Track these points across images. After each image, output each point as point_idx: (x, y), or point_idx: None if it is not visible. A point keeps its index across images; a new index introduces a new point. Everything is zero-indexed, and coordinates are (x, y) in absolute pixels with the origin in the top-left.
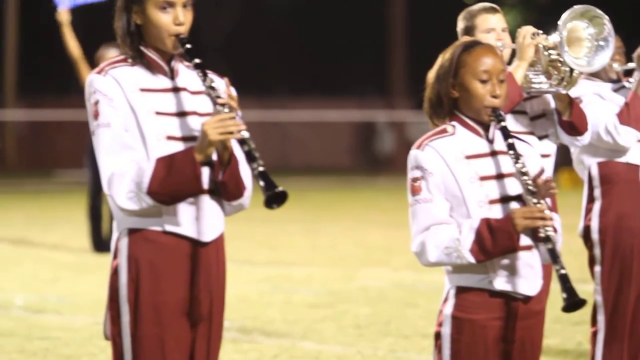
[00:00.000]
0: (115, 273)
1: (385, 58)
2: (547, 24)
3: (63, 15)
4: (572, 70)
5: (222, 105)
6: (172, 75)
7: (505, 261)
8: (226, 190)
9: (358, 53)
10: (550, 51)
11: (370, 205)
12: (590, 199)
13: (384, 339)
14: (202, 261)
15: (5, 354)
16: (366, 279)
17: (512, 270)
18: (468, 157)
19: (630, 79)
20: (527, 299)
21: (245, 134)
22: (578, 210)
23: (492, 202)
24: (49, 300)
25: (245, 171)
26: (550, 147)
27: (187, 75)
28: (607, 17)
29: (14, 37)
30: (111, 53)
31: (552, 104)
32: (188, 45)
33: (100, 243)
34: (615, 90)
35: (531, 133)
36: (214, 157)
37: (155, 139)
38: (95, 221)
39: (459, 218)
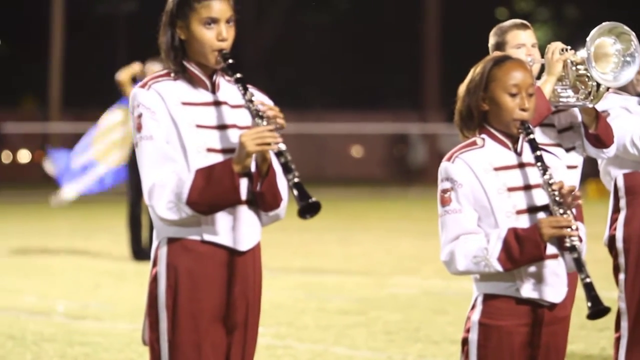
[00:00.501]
0: (154, 280)
1: (419, 73)
2: (577, 40)
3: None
4: (598, 85)
5: (261, 117)
6: (213, 89)
7: (532, 269)
8: (263, 201)
9: (393, 68)
10: (578, 66)
11: (402, 215)
12: (616, 209)
13: (413, 344)
14: (239, 269)
15: (47, 359)
16: (397, 286)
17: (538, 278)
18: (496, 169)
19: None
20: (552, 306)
21: (282, 146)
22: (604, 219)
23: (519, 212)
24: (89, 306)
25: (282, 183)
26: (577, 158)
27: (227, 89)
28: (634, 33)
29: (59, 51)
30: (156, 67)
31: (579, 118)
32: (230, 61)
33: (140, 252)
34: None
35: (559, 145)
36: (253, 168)
37: (196, 151)
38: (135, 230)
39: (487, 228)
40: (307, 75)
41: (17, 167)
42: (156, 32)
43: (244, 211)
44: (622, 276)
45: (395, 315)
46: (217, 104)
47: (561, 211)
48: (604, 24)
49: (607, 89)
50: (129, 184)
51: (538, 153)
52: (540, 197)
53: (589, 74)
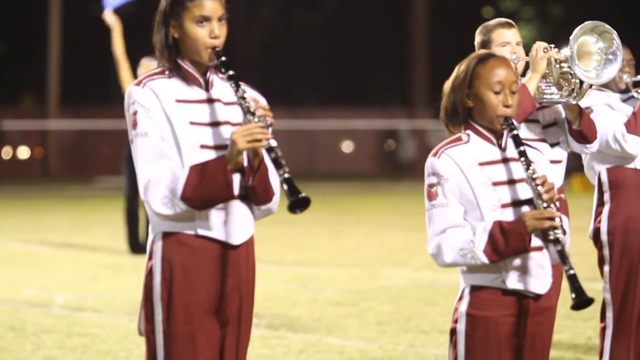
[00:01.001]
0: (150, 274)
1: (408, 70)
2: (560, 38)
3: (108, 16)
4: (581, 82)
5: (252, 114)
6: (206, 86)
7: (517, 261)
8: (255, 195)
9: (381, 65)
10: (562, 64)
11: (392, 209)
12: (600, 203)
13: (404, 334)
14: (232, 263)
15: (46, 350)
16: (388, 278)
17: (523, 270)
18: (481, 164)
19: (639, 90)
20: (537, 296)
21: (273, 142)
22: (589, 213)
23: (504, 206)
24: (88, 299)
25: (274, 177)
26: (561, 153)
27: (221, 86)
28: (615, 32)
29: (57, 49)
30: (152, 64)
31: (563, 114)
32: (223, 58)
33: (137, 245)
34: (624, 101)
35: (543, 140)
36: (245, 163)
37: (190, 148)
38: (132, 225)
39: (473, 221)
40: (298, 72)
41: (16, 162)
42: (150, 31)
43: (237, 206)
44: (606, 268)
45: (387, 306)
46: (210, 101)
47: (545, 205)
48: (586, 22)
49: (590, 86)
50: (126, 179)
51: (522, 148)
52: (524, 191)
53: (572, 72)
